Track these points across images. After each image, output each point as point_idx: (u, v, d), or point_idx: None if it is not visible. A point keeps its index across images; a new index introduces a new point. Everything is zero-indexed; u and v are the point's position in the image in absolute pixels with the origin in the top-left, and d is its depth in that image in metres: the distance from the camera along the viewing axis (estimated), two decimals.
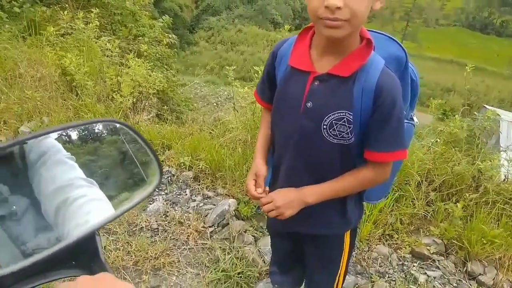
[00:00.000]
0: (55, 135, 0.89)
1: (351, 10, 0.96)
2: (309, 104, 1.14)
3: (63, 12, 4.93)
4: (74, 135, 0.96)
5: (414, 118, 1.35)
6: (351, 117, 1.10)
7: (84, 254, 0.73)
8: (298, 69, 1.16)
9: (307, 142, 1.19)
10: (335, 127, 1.12)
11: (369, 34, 1.11)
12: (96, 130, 0.98)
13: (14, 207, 0.81)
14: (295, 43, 1.20)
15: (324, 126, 1.13)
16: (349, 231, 1.41)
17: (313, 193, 1.20)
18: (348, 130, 1.12)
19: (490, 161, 2.69)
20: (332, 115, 1.11)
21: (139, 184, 0.96)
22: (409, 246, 2.53)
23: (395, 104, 1.09)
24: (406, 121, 1.27)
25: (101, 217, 0.77)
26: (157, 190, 2.76)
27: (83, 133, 0.97)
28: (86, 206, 0.80)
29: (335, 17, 0.96)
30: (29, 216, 0.83)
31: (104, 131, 0.99)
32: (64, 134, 0.93)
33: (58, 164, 0.86)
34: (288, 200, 1.20)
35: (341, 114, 1.10)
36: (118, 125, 0.94)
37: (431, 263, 2.47)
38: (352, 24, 0.99)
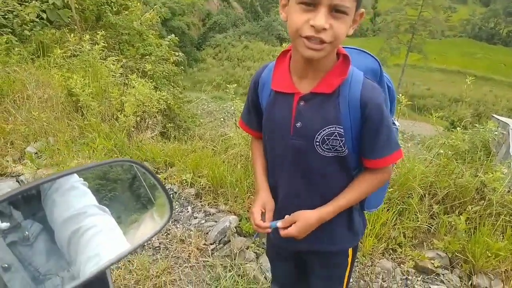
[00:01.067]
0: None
1: (334, 33, 1.00)
2: (298, 124, 1.16)
3: (71, 35, 5.08)
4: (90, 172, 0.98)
5: (396, 122, 1.37)
6: (342, 130, 1.12)
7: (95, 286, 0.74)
8: (282, 92, 1.18)
9: (302, 160, 1.20)
10: (327, 142, 1.14)
11: (343, 50, 1.14)
12: (112, 168, 1.01)
13: (27, 232, 0.83)
14: (275, 68, 1.22)
15: (317, 143, 1.15)
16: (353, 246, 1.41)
17: (331, 214, 1.21)
18: (341, 143, 1.14)
19: (493, 173, 2.67)
20: (323, 131, 1.13)
21: (150, 215, 0.99)
22: (413, 260, 2.49)
23: (382, 113, 1.12)
24: None
25: (112, 251, 0.78)
26: None
27: (99, 171, 0.99)
28: (97, 237, 0.81)
29: (319, 37, 0.99)
30: (41, 241, 0.85)
31: (119, 170, 1.02)
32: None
33: (71, 190, 0.88)
34: (310, 229, 1.20)
35: (331, 129, 1.13)
36: (133, 164, 0.97)
37: (436, 277, 2.43)
38: (333, 46, 1.03)
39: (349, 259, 1.41)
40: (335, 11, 0.98)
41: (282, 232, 1.21)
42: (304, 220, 1.19)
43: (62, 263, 0.85)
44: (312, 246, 1.33)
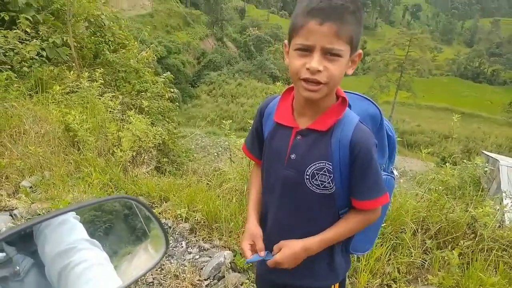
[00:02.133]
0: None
1: (329, 74, 1.08)
2: (292, 156, 1.23)
3: (70, 72, 5.21)
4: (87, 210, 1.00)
5: (394, 171, 1.43)
6: (331, 166, 1.19)
7: None
8: (282, 125, 1.27)
9: (290, 192, 1.26)
10: (317, 177, 1.20)
11: (344, 93, 1.23)
12: (108, 204, 1.03)
13: (18, 267, 0.84)
14: (280, 101, 1.32)
15: (307, 176, 1.21)
16: (337, 283, 1.43)
17: (316, 245, 1.24)
18: (329, 180, 1.20)
19: (483, 208, 2.72)
20: (314, 165, 1.20)
21: (145, 249, 1.01)
22: None
23: (371, 156, 1.18)
24: (386, 173, 1.36)
25: (104, 286, 0.79)
26: None
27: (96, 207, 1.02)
28: (87, 273, 0.81)
29: (314, 78, 1.08)
30: (32, 276, 0.85)
31: (116, 205, 1.05)
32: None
33: (62, 225, 0.89)
34: (295, 258, 1.24)
35: (321, 164, 1.19)
36: (130, 201, 1.01)
37: None
38: (329, 86, 1.12)
39: None
40: (329, 54, 1.07)
41: (268, 262, 1.25)
42: (288, 248, 1.23)
43: None
44: (293, 280, 1.36)
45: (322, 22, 1.03)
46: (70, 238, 0.87)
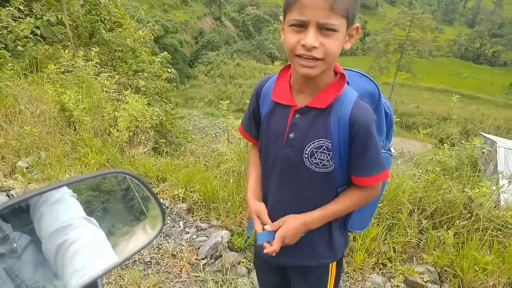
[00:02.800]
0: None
1: (325, 50, 1.05)
2: (291, 135, 1.22)
3: (65, 51, 5.12)
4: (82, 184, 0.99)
5: (392, 149, 1.42)
6: (330, 144, 1.17)
7: None
8: (280, 104, 1.25)
9: (290, 171, 1.25)
10: (316, 155, 1.19)
11: (342, 69, 1.20)
12: (105, 180, 1.02)
13: (15, 244, 0.84)
14: (277, 80, 1.29)
15: (306, 155, 1.20)
16: (335, 262, 1.43)
17: (317, 220, 1.25)
18: (328, 158, 1.18)
19: (479, 188, 2.73)
20: (312, 143, 1.19)
21: (142, 227, 1.00)
22: (403, 275, 2.52)
23: (370, 133, 1.17)
24: (383, 151, 1.34)
25: (99, 264, 0.79)
26: None
27: (91, 182, 1.00)
28: (84, 250, 0.81)
29: (310, 55, 1.05)
30: (29, 253, 0.85)
31: (113, 181, 1.03)
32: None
33: (59, 202, 0.89)
34: (296, 232, 1.26)
35: (320, 142, 1.18)
36: (126, 176, 0.99)
37: None
38: (326, 62, 1.08)
39: (332, 274, 1.43)
40: (325, 29, 1.03)
41: (274, 240, 1.24)
42: (290, 223, 1.25)
43: (49, 275, 0.85)
44: (292, 260, 1.38)
45: None
46: (66, 216, 0.87)
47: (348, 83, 1.19)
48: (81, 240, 0.82)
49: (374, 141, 1.18)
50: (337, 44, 1.07)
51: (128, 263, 2.43)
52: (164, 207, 2.90)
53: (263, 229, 1.28)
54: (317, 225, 1.26)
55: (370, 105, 1.24)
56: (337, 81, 1.18)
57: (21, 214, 0.90)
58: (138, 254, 2.50)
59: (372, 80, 1.29)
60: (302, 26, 1.04)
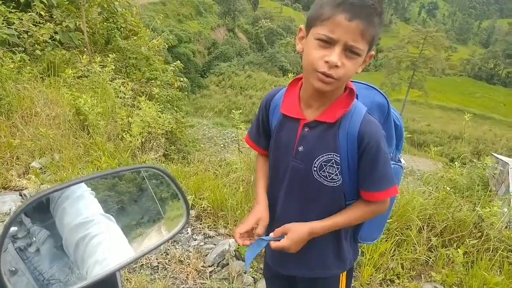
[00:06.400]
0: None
1: (345, 71, 1.08)
2: (300, 148, 1.23)
3: (82, 56, 5.24)
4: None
5: (402, 160, 1.42)
6: (338, 158, 1.18)
7: None
8: (290, 117, 1.26)
9: (299, 184, 1.26)
10: (324, 168, 1.20)
11: (352, 84, 1.21)
12: (121, 180, 1.05)
13: (34, 238, 0.88)
14: (286, 93, 1.30)
15: (315, 168, 1.21)
16: (345, 272, 1.43)
17: (321, 231, 1.24)
18: (337, 171, 1.20)
19: (490, 207, 2.70)
20: (321, 157, 1.20)
21: (162, 223, 1.04)
22: None
23: (379, 149, 1.17)
24: (393, 163, 1.35)
25: (120, 256, 0.84)
26: None
27: (108, 182, 1.04)
28: (105, 243, 0.86)
29: (330, 73, 1.07)
30: (47, 247, 0.90)
31: (138, 176, 1.07)
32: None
33: (80, 199, 0.94)
34: (301, 242, 1.24)
35: (329, 156, 1.19)
36: (157, 171, 1.02)
37: None
38: (341, 81, 1.11)
39: (342, 285, 1.43)
40: (349, 51, 1.06)
41: (273, 245, 1.24)
42: (295, 232, 1.23)
43: (65, 268, 0.89)
44: (301, 270, 1.37)
45: (352, 18, 1.02)
46: (87, 212, 0.91)
47: (357, 97, 1.21)
48: (102, 235, 0.87)
49: (383, 156, 1.19)
50: (356, 68, 1.10)
51: (136, 267, 2.45)
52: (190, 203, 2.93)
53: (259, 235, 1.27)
54: (322, 233, 1.24)
55: (379, 117, 1.25)
56: (346, 95, 1.19)
57: (41, 210, 0.93)
58: (146, 258, 2.51)
59: (380, 92, 1.31)
60: (329, 43, 1.06)
